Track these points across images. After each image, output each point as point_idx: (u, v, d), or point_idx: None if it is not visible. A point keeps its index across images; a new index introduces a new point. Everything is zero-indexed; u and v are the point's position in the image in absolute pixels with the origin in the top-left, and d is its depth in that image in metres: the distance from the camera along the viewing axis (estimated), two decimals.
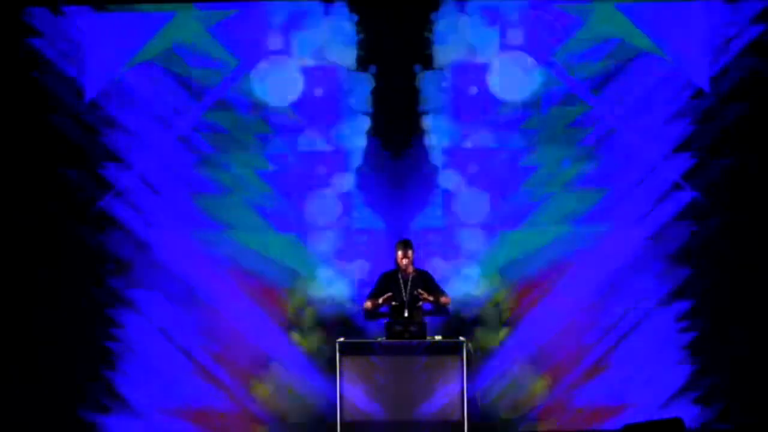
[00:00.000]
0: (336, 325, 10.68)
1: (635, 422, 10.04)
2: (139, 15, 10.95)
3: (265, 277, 10.84)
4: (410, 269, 9.95)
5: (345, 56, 10.88)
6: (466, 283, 10.71)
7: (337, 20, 10.87)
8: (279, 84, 10.90)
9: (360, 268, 10.72)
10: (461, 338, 9.59)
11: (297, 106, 10.91)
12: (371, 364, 9.50)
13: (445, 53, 10.87)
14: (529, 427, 10.72)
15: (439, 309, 10.15)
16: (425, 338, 9.61)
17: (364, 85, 10.87)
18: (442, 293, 10.02)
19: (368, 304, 9.98)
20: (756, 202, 10.80)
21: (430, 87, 10.86)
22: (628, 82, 10.85)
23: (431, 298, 9.87)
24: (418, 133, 10.82)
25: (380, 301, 9.87)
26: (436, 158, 10.81)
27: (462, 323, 10.64)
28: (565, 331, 10.74)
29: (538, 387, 10.72)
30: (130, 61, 10.97)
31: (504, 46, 10.88)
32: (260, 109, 10.91)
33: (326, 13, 10.88)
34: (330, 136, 10.89)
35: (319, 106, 10.92)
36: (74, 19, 10.91)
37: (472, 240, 10.78)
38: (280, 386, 10.78)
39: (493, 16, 10.87)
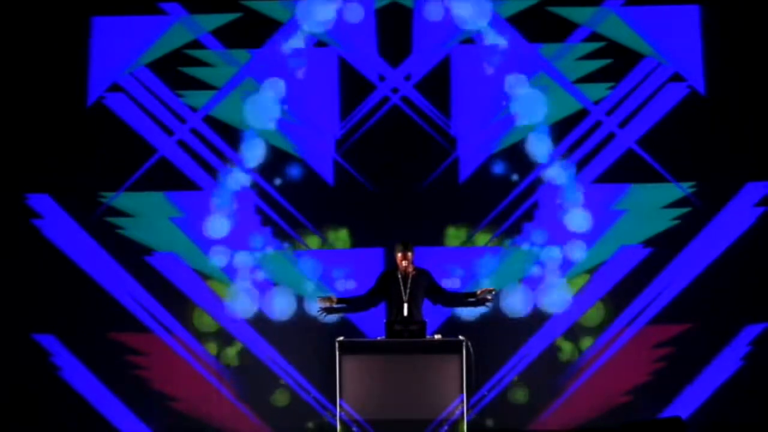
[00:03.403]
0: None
1: (635, 421, 10.13)
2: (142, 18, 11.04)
3: None
4: (410, 269, 9.95)
5: None
6: None
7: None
8: None
9: None
10: (461, 337, 9.59)
11: None
12: (371, 364, 9.47)
13: None
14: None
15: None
16: (425, 338, 9.60)
17: None
18: (444, 290, 10.02)
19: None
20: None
21: None
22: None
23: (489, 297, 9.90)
24: None
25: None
26: None
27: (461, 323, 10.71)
28: None
29: None
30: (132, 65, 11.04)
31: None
32: None
33: None
34: None
35: None
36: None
37: None
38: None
39: None
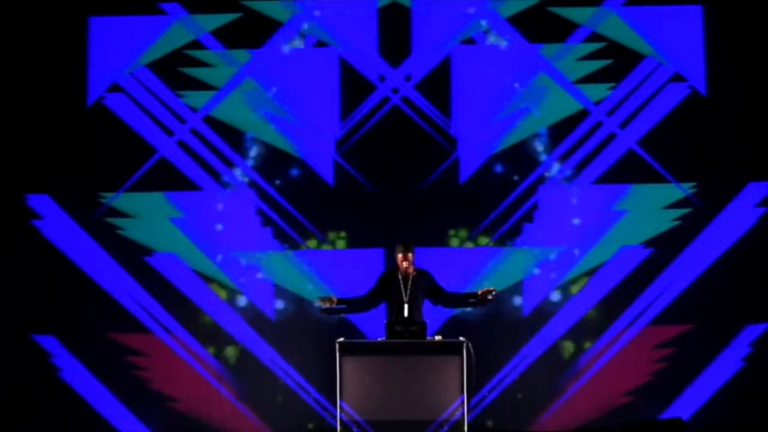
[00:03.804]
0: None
1: (636, 421, 10.13)
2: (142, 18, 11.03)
3: None
4: (411, 270, 9.95)
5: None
6: None
7: None
8: None
9: None
10: (461, 338, 9.58)
11: None
12: (371, 365, 9.46)
13: None
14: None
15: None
16: (425, 338, 9.59)
17: None
18: (444, 291, 10.02)
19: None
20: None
21: None
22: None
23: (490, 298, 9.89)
24: None
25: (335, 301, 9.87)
26: None
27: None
28: None
29: None
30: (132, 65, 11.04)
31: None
32: None
33: None
34: None
35: None
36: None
37: None
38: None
39: None
